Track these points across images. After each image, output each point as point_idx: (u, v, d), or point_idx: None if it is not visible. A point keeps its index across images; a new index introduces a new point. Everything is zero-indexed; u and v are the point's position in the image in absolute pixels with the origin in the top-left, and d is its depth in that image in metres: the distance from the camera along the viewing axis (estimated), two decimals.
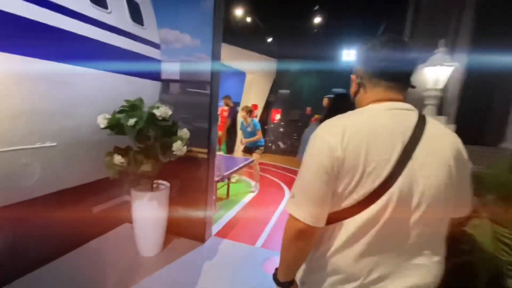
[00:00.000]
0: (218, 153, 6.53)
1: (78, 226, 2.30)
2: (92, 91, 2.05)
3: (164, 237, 2.48)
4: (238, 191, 4.32)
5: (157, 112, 1.96)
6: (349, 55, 7.06)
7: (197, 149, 2.54)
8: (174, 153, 1.99)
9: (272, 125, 8.08)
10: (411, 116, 0.71)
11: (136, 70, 2.37)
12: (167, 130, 2.01)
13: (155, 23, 2.53)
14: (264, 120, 7.89)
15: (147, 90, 2.49)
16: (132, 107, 2.08)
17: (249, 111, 4.30)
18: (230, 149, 5.25)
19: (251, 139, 4.31)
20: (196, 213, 2.66)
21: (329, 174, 0.66)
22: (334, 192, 0.68)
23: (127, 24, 2.25)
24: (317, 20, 5.50)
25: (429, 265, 0.70)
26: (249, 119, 4.32)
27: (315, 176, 0.68)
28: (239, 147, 4.85)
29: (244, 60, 6.98)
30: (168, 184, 2.45)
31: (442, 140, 0.70)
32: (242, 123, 4.45)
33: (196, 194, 2.63)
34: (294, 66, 7.64)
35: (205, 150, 2.52)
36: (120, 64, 2.20)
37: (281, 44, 7.35)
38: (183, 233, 2.71)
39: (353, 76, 0.84)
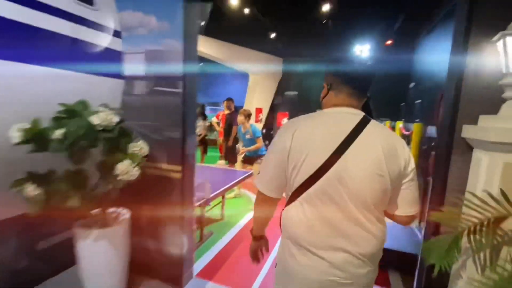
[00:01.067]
0: (219, 162, 5.99)
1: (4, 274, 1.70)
2: (10, 93, 1.48)
3: (126, 283, 1.88)
4: (236, 210, 3.68)
5: (96, 120, 1.37)
6: (362, 51, 6.32)
7: (169, 167, 1.94)
8: (118, 178, 1.39)
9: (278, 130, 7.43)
10: (355, 119, 0.90)
11: (83, 64, 1.80)
12: (111, 144, 1.41)
13: (113, 4, 1.96)
14: (270, 124, 7.24)
15: (103, 91, 1.91)
16: (71, 114, 1.50)
17: (248, 116, 3.68)
18: (231, 159, 4.66)
19: (251, 148, 3.67)
20: (170, 249, 2.04)
21: (281, 160, 0.91)
22: (286, 175, 0.92)
23: (64, 1, 1.68)
24: (326, 8, 4.84)
25: (363, 236, 0.88)
26: (247, 125, 3.70)
27: (272, 161, 0.95)
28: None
29: (247, 60, 6.40)
30: (128, 214, 1.85)
31: (375, 139, 0.87)
32: (239, 130, 3.83)
33: (169, 224, 2.02)
34: (301, 65, 6.98)
35: (179, 168, 1.91)
36: (55, 56, 1.63)
37: (287, 42, 6.70)
38: (154, 274, 2.10)
39: (325, 83, 1.05)
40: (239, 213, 3.58)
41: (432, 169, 2.38)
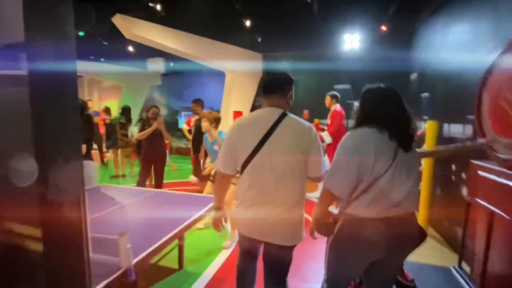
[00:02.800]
0: (191, 178, 4.95)
1: None
2: None
3: None
4: (203, 248, 2.71)
5: None
6: (353, 41, 5.56)
7: (24, 230, 0.97)
8: None
9: None
10: (276, 113, 1.34)
11: None
12: None
13: None
14: None
15: None
16: None
17: (214, 120, 2.74)
18: (201, 177, 3.71)
19: None
20: None
21: (231, 146, 1.35)
22: (237, 157, 1.36)
23: None
24: None
25: (285, 198, 1.33)
26: (214, 132, 2.76)
27: (226, 146, 1.38)
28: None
29: (220, 55, 5.48)
30: None
31: (290, 127, 1.33)
32: (206, 139, 2.89)
33: None
34: (284, 61, 6.15)
35: (38, 233, 0.94)
36: None
37: (266, 34, 5.88)
38: None
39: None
40: (207, 254, 2.62)
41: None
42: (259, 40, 5.28)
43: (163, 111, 7.89)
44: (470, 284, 1.82)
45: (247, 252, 1.54)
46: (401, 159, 1.15)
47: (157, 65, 7.36)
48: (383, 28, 4.50)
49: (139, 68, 7.90)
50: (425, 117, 3.65)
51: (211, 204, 2.28)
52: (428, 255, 2.44)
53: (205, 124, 2.73)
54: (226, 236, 2.88)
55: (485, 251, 1.70)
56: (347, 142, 1.22)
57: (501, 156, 1.64)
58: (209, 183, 2.99)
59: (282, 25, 5.35)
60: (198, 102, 3.82)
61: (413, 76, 4.27)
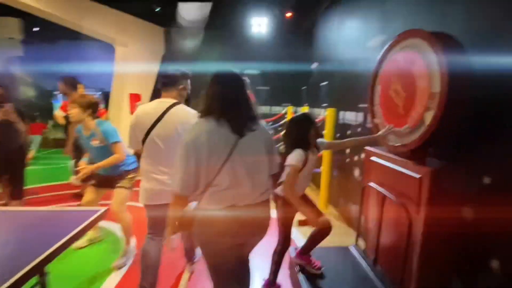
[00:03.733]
0: (72, 178, 3.86)
1: None
2: None
3: None
4: (85, 274, 2.08)
5: None
6: (260, 25, 5.47)
7: None
8: None
9: None
10: (167, 104, 1.63)
11: None
12: None
13: None
14: None
15: None
16: None
17: (88, 106, 2.04)
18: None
19: (103, 162, 2.08)
20: None
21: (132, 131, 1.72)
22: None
23: None
24: None
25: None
26: (90, 123, 2.07)
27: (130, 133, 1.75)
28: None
29: (109, 25, 4.38)
30: None
31: (174, 116, 1.61)
32: (79, 132, 2.16)
33: None
34: (191, 37, 5.52)
35: None
36: None
37: (170, 7, 5.08)
38: None
39: None
40: (92, 281, 2.01)
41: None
42: (157, 10, 4.46)
43: (28, 92, 5.93)
44: (365, 260, 1.99)
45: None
46: (243, 149, 1.14)
47: (9, 28, 5.34)
48: (288, 14, 4.54)
49: None
50: (324, 105, 3.94)
51: (95, 217, 1.69)
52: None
53: (74, 112, 1.99)
54: (117, 251, 2.31)
55: (377, 230, 1.86)
56: (185, 136, 1.15)
57: (391, 143, 1.77)
58: (89, 190, 2.29)
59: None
60: (67, 80, 2.88)
61: (314, 65, 4.54)
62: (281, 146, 1.75)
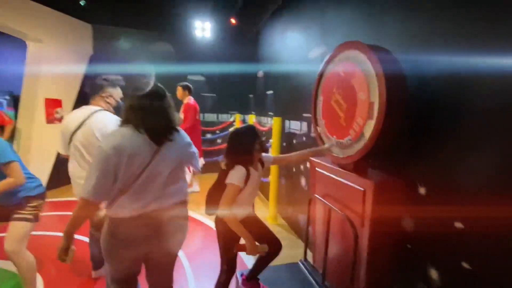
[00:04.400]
0: None
1: None
2: None
3: None
4: None
5: None
6: (204, 30, 5.25)
7: None
8: None
9: None
10: (90, 110, 1.79)
11: None
12: None
13: None
14: None
15: None
16: None
17: None
18: None
19: None
20: None
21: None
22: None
23: None
24: None
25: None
26: None
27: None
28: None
29: (17, 16, 3.61)
30: None
31: (94, 122, 1.74)
32: None
33: None
34: (125, 37, 4.97)
35: None
36: None
37: (100, 2, 4.48)
38: None
39: None
40: None
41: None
42: (81, 2, 3.86)
43: None
44: (313, 274, 1.92)
45: None
46: (161, 157, 1.18)
47: None
48: (233, 20, 4.44)
49: None
50: (271, 113, 3.91)
51: None
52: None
53: None
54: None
55: (325, 243, 1.80)
56: (102, 145, 1.12)
57: (334, 154, 1.74)
58: None
59: None
60: None
61: (260, 73, 4.51)
62: (222, 162, 1.57)
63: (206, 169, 4.38)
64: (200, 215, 3.38)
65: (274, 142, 3.20)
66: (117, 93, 1.98)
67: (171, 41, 5.13)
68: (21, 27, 3.63)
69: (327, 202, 1.73)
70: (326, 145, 1.76)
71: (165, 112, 1.23)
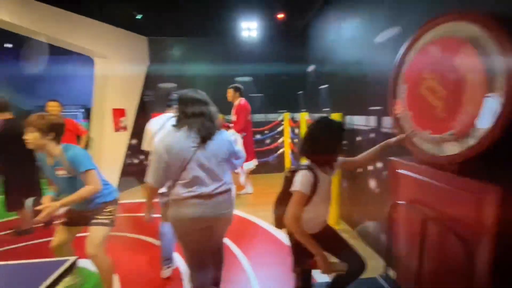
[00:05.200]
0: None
1: None
2: None
3: None
4: None
5: None
6: (250, 29, 5.19)
7: None
8: None
9: None
10: (167, 117, 2.10)
11: None
12: None
13: None
14: (143, 132, 5.10)
15: None
16: None
17: (53, 129, 1.63)
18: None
19: (72, 197, 1.67)
20: None
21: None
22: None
23: None
24: None
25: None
26: (56, 149, 1.67)
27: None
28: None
29: (87, 36, 4.01)
30: None
31: (169, 124, 1.86)
32: (41, 160, 1.75)
33: None
34: (178, 47, 5.18)
35: None
36: None
37: (152, 15, 4.75)
38: None
39: None
40: None
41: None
42: (138, 17, 4.11)
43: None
44: None
45: None
46: (204, 151, 1.46)
47: None
48: (279, 16, 4.27)
49: None
50: (326, 109, 3.63)
51: (61, 271, 1.34)
52: None
53: (31, 137, 1.59)
54: None
55: (418, 258, 1.51)
56: (157, 144, 1.48)
57: (426, 152, 1.44)
58: (60, 229, 1.88)
59: (170, 5, 4.39)
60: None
61: (311, 68, 4.26)
62: (289, 168, 1.41)
63: (256, 170, 4.31)
64: (256, 216, 3.29)
65: None
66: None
67: (220, 45, 5.19)
68: (88, 45, 4.01)
69: (426, 211, 1.44)
70: (404, 135, 1.48)
71: (208, 116, 1.52)
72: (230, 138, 1.60)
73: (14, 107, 6.70)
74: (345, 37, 3.07)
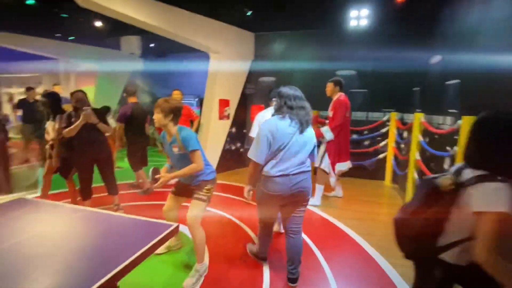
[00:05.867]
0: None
1: None
2: None
3: None
4: (157, 283, 1.99)
5: None
6: (359, 18, 4.71)
7: None
8: None
9: None
10: (272, 111, 2.12)
11: None
12: None
13: None
14: (242, 121, 5.54)
15: None
16: None
17: (172, 112, 1.93)
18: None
19: (180, 172, 1.96)
20: None
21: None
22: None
23: None
24: None
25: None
26: (173, 129, 1.98)
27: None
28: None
29: (205, 33, 4.60)
30: None
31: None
32: (163, 138, 2.11)
33: None
34: (280, 41, 5.28)
35: None
36: None
37: (260, 11, 5.00)
38: None
39: None
40: None
41: None
42: (248, 14, 4.39)
43: (145, 99, 6.98)
44: None
45: None
46: (298, 138, 1.82)
47: (130, 45, 6.42)
48: None
49: (114, 49, 6.95)
50: (453, 111, 2.89)
51: (170, 230, 1.58)
52: None
53: (157, 117, 1.93)
54: (193, 264, 2.15)
55: None
56: (262, 126, 1.83)
57: None
58: (169, 197, 2.24)
59: (277, 3, 4.48)
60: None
61: (436, 59, 3.48)
62: (445, 178, 1.10)
63: (349, 173, 3.91)
64: (343, 223, 3.00)
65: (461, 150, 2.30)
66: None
67: (325, 36, 4.96)
68: (206, 41, 4.58)
69: None
70: None
71: (303, 109, 1.85)
72: (313, 135, 1.92)
73: (152, 94, 8.45)
74: (491, 18, 2.31)
